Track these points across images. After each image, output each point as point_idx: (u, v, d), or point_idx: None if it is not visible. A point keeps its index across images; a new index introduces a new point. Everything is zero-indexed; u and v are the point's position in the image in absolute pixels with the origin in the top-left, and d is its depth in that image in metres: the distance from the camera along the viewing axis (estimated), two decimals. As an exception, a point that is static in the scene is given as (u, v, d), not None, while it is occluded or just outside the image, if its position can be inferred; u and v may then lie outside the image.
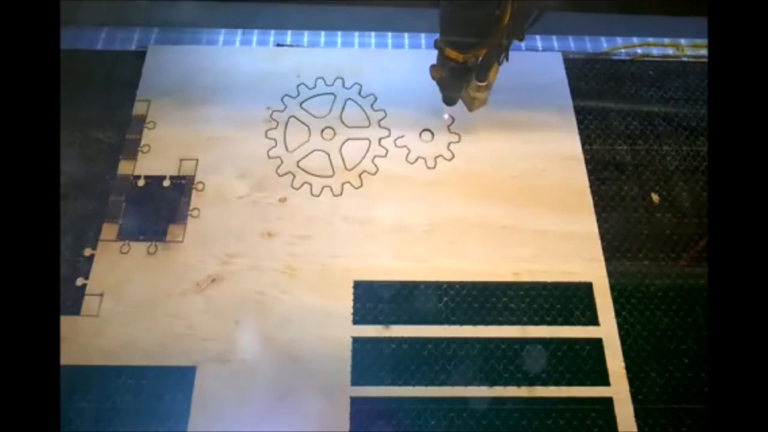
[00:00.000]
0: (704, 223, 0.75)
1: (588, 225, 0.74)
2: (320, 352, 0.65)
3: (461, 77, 0.67)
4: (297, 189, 0.76)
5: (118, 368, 0.64)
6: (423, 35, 0.91)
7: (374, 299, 0.68)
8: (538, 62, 0.88)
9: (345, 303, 0.68)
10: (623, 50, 0.92)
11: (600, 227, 0.74)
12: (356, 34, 0.92)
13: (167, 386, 0.63)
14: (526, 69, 0.87)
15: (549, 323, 0.68)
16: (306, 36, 0.91)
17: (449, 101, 0.75)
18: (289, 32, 0.91)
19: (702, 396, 0.64)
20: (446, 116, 0.81)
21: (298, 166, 0.77)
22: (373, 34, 0.92)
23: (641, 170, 0.80)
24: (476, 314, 0.68)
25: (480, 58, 0.63)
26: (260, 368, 0.64)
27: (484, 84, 0.66)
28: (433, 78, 0.70)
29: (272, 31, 0.91)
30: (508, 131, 0.81)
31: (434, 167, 0.78)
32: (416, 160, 0.78)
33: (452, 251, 0.72)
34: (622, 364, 0.65)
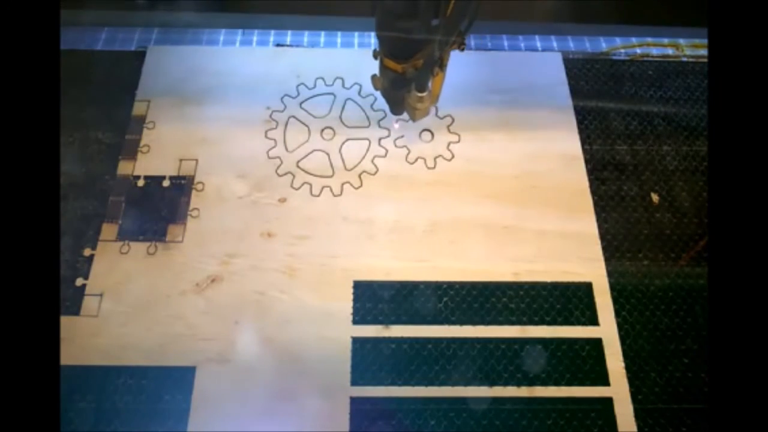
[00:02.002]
0: (704, 223, 0.75)
1: (588, 225, 0.74)
2: (320, 352, 0.65)
3: (402, 87, 0.67)
4: (297, 189, 0.76)
5: (117, 368, 0.64)
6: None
7: (374, 299, 0.68)
8: (537, 62, 0.88)
9: (345, 303, 0.68)
10: (622, 50, 0.92)
11: (600, 227, 0.74)
12: (356, 34, 0.92)
13: (167, 386, 0.63)
14: (526, 69, 0.87)
15: (549, 323, 0.68)
16: (306, 36, 0.91)
17: (394, 111, 0.74)
18: (289, 32, 0.91)
19: (702, 396, 0.64)
20: (396, 125, 0.80)
21: (297, 167, 0.77)
22: (372, 34, 0.92)
23: (641, 170, 0.80)
24: (476, 314, 0.68)
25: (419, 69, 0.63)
26: (260, 368, 0.64)
27: (424, 95, 0.66)
28: (375, 88, 0.69)
29: (272, 32, 0.91)
30: (508, 131, 0.81)
31: (434, 167, 0.78)
32: (416, 160, 0.78)
33: (452, 251, 0.72)
34: (622, 364, 0.65)
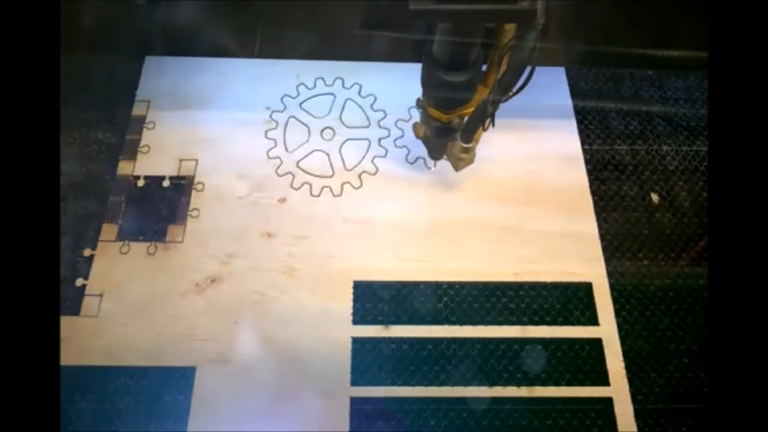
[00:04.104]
0: (704, 223, 0.75)
1: (588, 225, 0.74)
2: (320, 353, 0.65)
3: (445, 136, 0.66)
4: (297, 189, 0.76)
5: (117, 369, 0.63)
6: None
7: (374, 299, 0.68)
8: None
9: (345, 303, 0.68)
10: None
11: (600, 227, 0.74)
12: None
13: (167, 387, 0.63)
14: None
15: (549, 323, 0.68)
16: (306, 36, 0.91)
17: (434, 156, 0.74)
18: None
19: (702, 396, 0.64)
20: (433, 168, 0.78)
21: (297, 167, 0.77)
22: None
23: (641, 170, 0.80)
24: (476, 314, 0.68)
25: (465, 119, 0.61)
26: (260, 368, 0.64)
27: (470, 145, 0.64)
28: (417, 136, 0.68)
29: (272, 32, 0.91)
30: (508, 131, 0.80)
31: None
32: (416, 160, 0.78)
33: (452, 251, 0.71)
34: (622, 364, 0.65)
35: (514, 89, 0.52)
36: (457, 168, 0.69)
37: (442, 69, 0.54)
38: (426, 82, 0.59)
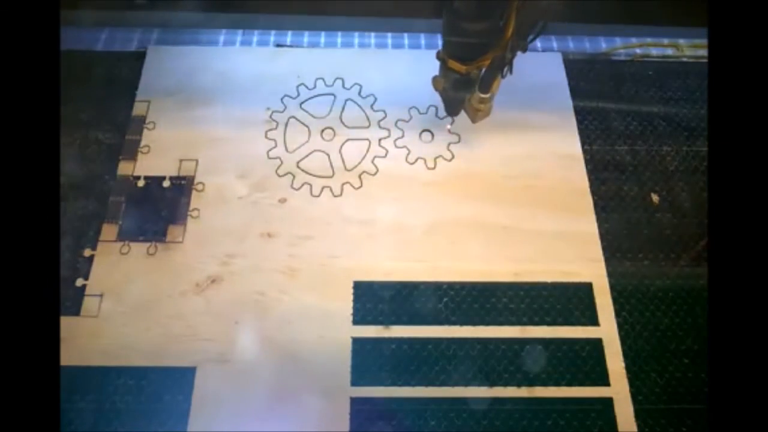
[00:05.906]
0: (704, 223, 0.75)
1: (588, 225, 0.74)
2: (320, 353, 0.65)
3: (464, 89, 0.67)
4: (297, 189, 0.76)
5: (117, 369, 0.64)
6: (422, 35, 0.91)
7: (374, 299, 0.68)
8: (538, 62, 0.88)
9: (345, 303, 0.68)
10: (622, 50, 0.92)
11: (600, 227, 0.74)
12: (356, 34, 0.92)
13: (167, 387, 0.63)
14: (526, 69, 0.86)
15: (549, 323, 0.68)
16: (306, 36, 0.91)
17: (452, 112, 0.74)
18: (289, 32, 0.91)
19: (702, 396, 0.64)
20: (449, 126, 0.80)
21: (298, 167, 0.77)
22: (372, 34, 0.92)
23: (641, 170, 0.80)
24: (476, 314, 0.68)
25: (483, 70, 0.63)
26: (260, 369, 0.64)
27: (487, 96, 0.66)
28: (436, 89, 0.69)
29: (272, 32, 0.91)
30: (507, 131, 0.81)
31: (434, 167, 0.78)
32: (416, 160, 0.78)
33: (452, 251, 0.72)
34: (622, 364, 0.65)
35: (530, 38, 0.55)
36: (474, 120, 0.71)
37: (463, 18, 0.56)
38: (446, 32, 0.60)
